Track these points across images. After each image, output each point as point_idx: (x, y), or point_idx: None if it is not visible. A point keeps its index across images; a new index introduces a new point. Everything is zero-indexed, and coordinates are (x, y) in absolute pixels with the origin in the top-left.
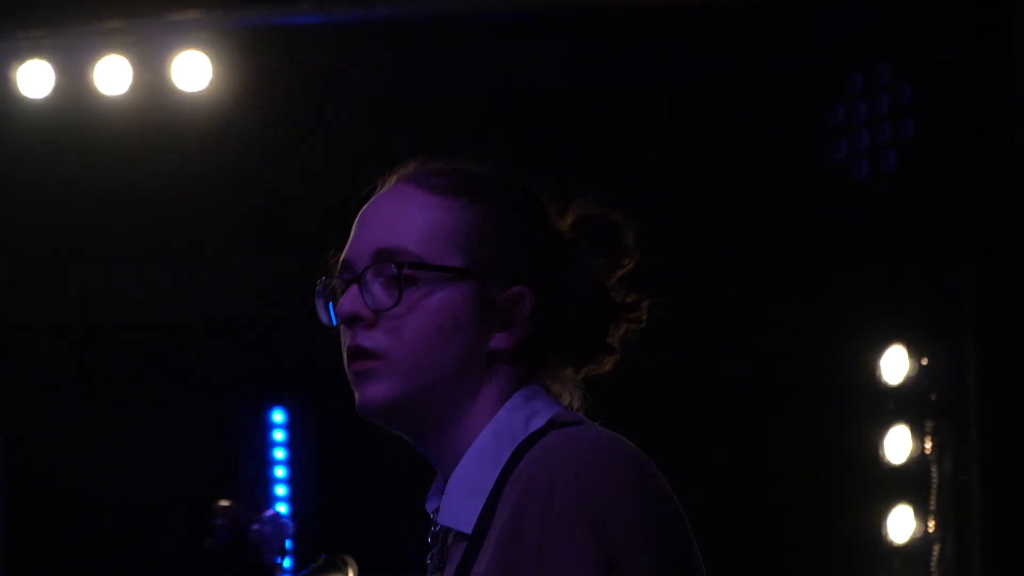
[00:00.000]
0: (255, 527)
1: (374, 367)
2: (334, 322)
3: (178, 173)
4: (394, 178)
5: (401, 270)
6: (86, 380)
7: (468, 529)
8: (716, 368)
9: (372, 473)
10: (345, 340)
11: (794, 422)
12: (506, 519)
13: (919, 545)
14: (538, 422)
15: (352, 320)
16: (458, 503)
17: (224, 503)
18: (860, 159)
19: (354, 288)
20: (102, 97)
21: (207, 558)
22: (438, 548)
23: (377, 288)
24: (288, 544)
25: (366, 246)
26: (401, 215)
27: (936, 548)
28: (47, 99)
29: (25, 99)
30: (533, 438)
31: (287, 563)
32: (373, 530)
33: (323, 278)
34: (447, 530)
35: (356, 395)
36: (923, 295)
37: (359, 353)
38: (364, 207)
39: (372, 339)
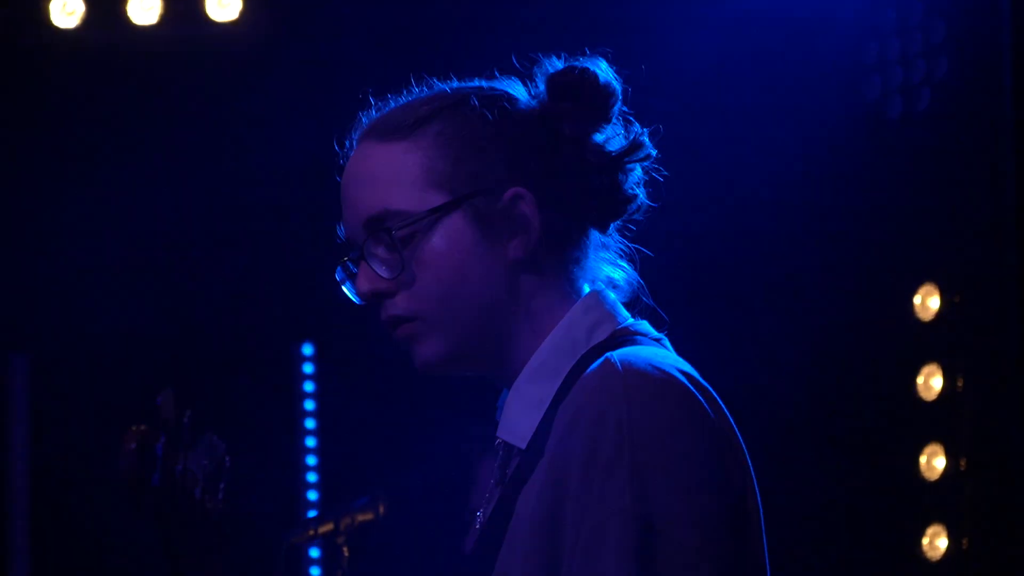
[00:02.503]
0: (179, 454)
1: (413, 330)
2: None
3: (209, 103)
4: (355, 139)
5: (391, 234)
6: (113, 311)
7: (523, 444)
8: (745, 307)
9: (402, 408)
10: (380, 315)
11: (827, 360)
12: (554, 449)
13: (950, 483)
14: (600, 334)
15: (372, 296)
16: (515, 417)
17: (137, 427)
18: (893, 97)
19: (363, 265)
20: (133, 26)
21: (125, 493)
22: (499, 461)
23: (382, 256)
24: (222, 474)
25: (355, 220)
26: (371, 177)
27: (967, 486)
28: (78, 28)
29: (57, 28)
30: (596, 350)
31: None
32: (403, 465)
33: (340, 264)
34: (506, 445)
35: (412, 360)
36: (956, 234)
37: (394, 322)
38: (342, 179)
39: (399, 306)
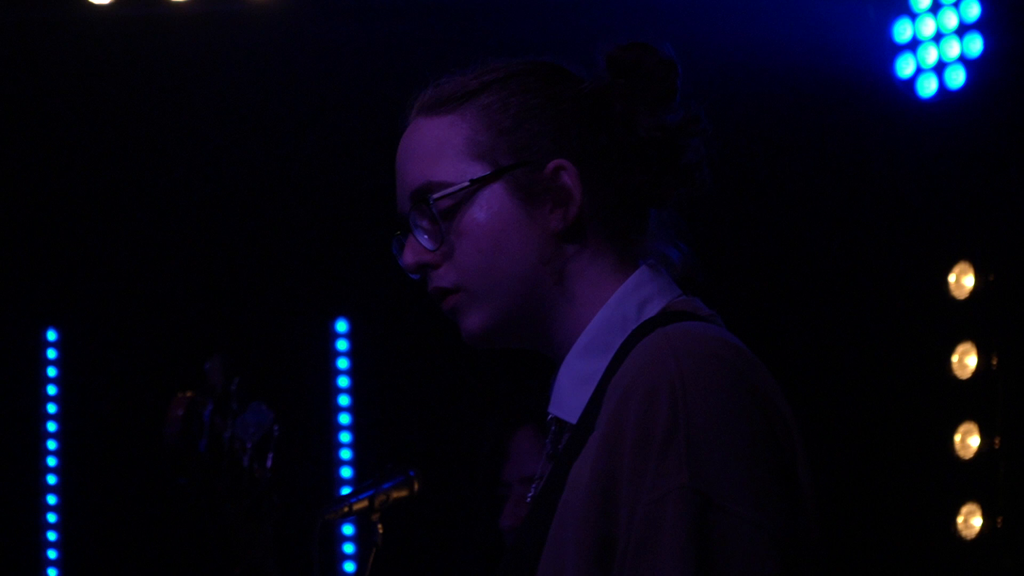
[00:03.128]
0: (226, 422)
1: (457, 302)
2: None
3: (244, 78)
4: (411, 113)
5: (432, 205)
6: (144, 281)
7: (573, 419)
8: (780, 287)
9: (435, 383)
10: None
11: (862, 339)
12: (606, 425)
13: (985, 461)
14: (651, 309)
15: (418, 269)
16: (565, 392)
17: (184, 393)
18: (927, 76)
19: (410, 237)
20: (166, 1)
21: (165, 459)
22: (551, 436)
23: (426, 228)
24: (271, 444)
25: (404, 192)
26: (417, 150)
27: (1002, 464)
28: (110, 4)
29: (88, 4)
30: (646, 326)
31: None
32: (437, 441)
33: (395, 238)
34: (557, 420)
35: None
36: (990, 212)
37: (440, 295)
38: (397, 156)
39: (443, 277)
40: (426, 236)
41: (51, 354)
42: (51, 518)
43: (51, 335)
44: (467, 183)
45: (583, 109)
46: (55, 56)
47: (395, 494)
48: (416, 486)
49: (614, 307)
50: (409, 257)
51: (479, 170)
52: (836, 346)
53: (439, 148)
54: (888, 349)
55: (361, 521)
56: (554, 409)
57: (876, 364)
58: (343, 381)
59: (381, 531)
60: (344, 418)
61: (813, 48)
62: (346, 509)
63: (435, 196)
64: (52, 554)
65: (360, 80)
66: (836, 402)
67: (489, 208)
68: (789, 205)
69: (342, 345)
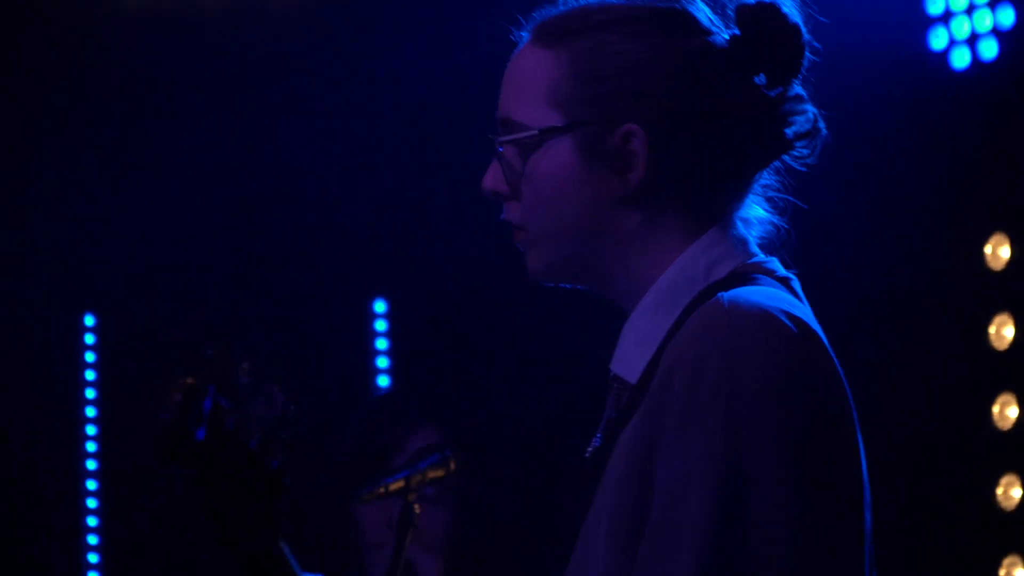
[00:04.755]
0: (232, 406)
1: (522, 239)
2: None
3: (277, 62)
4: (527, 29)
5: (502, 146)
6: (183, 265)
7: (633, 378)
8: (815, 260)
9: (474, 364)
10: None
11: (899, 310)
12: (656, 389)
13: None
14: (721, 270)
15: (492, 195)
16: (628, 351)
17: (183, 379)
18: (960, 48)
19: (493, 161)
20: None
21: (158, 448)
22: (612, 394)
23: (505, 159)
24: (283, 431)
25: (498, 114)
26: (512, 79)
27: None
28: None
29: None
30: (713, 288)
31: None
32: (475, 422)
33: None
34: (618, 379)
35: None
36: None
37: (509, 225)
38: None
39: (512, 211)
40: (502, 166)
41: (89, 339)
42: (91, 503)
43: (89, 320)
44: (536, 131)
45: (685, 68)
46: (96, 40)
47: (431, 474)
48: (452, 466)
49: (681, 267)
50: (487, 180)
51: (553, 119)
52: (873, 320)
53: (526, 86)
54: (925, 321)
55: (398, 502)
56: (615, 367)
57: (913, 336)
58: (382, 361)
59: (418, 511)
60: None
61: (845, 22)
62: (382, 490)
63: (508, 138)
64: (92, 539)
65: (399, 60)
66: (873, 373)
67: (553, 160)
68: (823, 180)
69: (380, 325)
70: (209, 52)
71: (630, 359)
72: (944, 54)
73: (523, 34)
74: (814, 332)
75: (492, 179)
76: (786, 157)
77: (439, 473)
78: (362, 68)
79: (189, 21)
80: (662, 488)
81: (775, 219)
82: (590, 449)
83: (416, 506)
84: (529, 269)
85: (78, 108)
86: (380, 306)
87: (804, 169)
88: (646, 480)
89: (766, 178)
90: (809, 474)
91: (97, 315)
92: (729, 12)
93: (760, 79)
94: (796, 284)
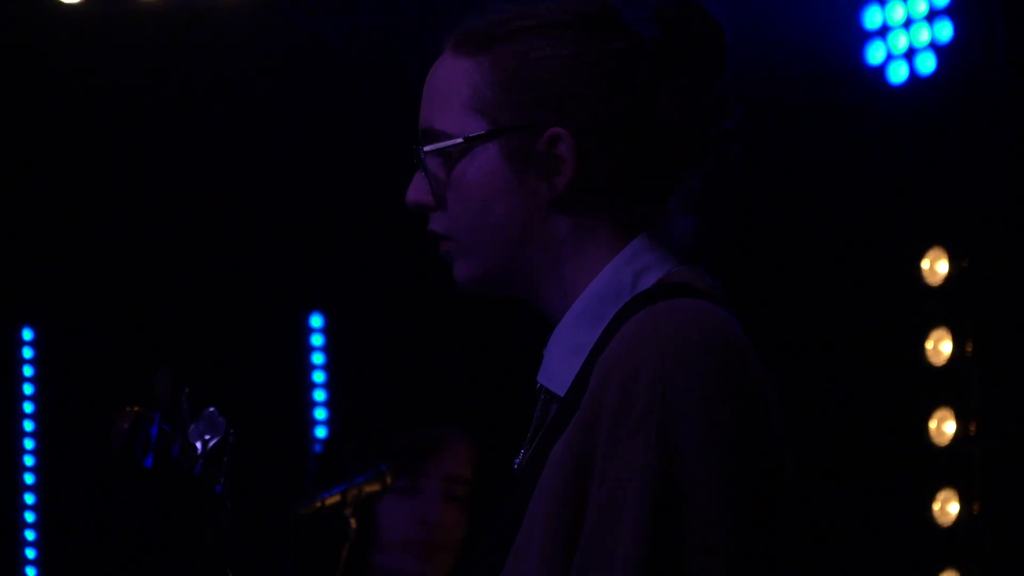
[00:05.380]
0: (176, 432)
1: (448, 249)
2: None
3: (214, 75)
4: (445, 40)
5: (423, 155)
6: (120, 277)
7: (561, 391)
8: (752, 275)
9: (411, 376)
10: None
11: (835, 325)
12: (588, 402)
13: (960, 447)
14: (648, 280)
15: (416, 208)
16: (555, 363)
17: (130, 408)
18: (898, 62)
19: (416, 173)
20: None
21: (110, 476)
22: (539, 406)
23: (427, 170)
24: (223, 455)
25: (420, 125)
26: (433, 89)
27: (978, 450)
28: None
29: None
30: (640, 299)
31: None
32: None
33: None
34: (546, 390)
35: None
36: (963, 198)
37: (434, 237)
38: None
39: (437, 221)
40: (425, 178)
41: (27, 353)
42: (29, 518)
43: (27, 334)
44: (461, 140)
45: (609, 70)
46: (27, 56)
47: (367, 488)
48: (388, 480)
49: (608, 277)
50: (410, 193)
51: (477, 127)
52: (809, 333)
53: (448, 95)
54: (862, 336)
55: (334, 517)
56: (543, 378)
57: (850, 351)
58: (318, 376)
59: (354, 526)
60: (319, 413)
61: (782, 35)
62: (318, 504)
63: (431, 147)
64: (30, 553)
65: (333, 76)
66: (810, 390)
67: (480, 168)
68: (760, 192)
69: (317, 340)
70: (149, 69)
71: (558, 371)
72: (881, 68)
73: (443, 45)
74: (741, 342)
75: (415, 191)
76: (714, 160)
77: (375, 487)
78: (300, 85)
79: (123, 35)
80: (595, 502)
81: (703, 226)
82: (518, 461)
83: (352, 520)
84: (457, 278)
85: (11, 126)
86: (317, 320)
87: (733, 172)
88: (579, 494)
89: (695, 184)
90: (743, 484)
91: (35, 328)
92: (648, 14)
93: (684, 80)
94: (723, 294)
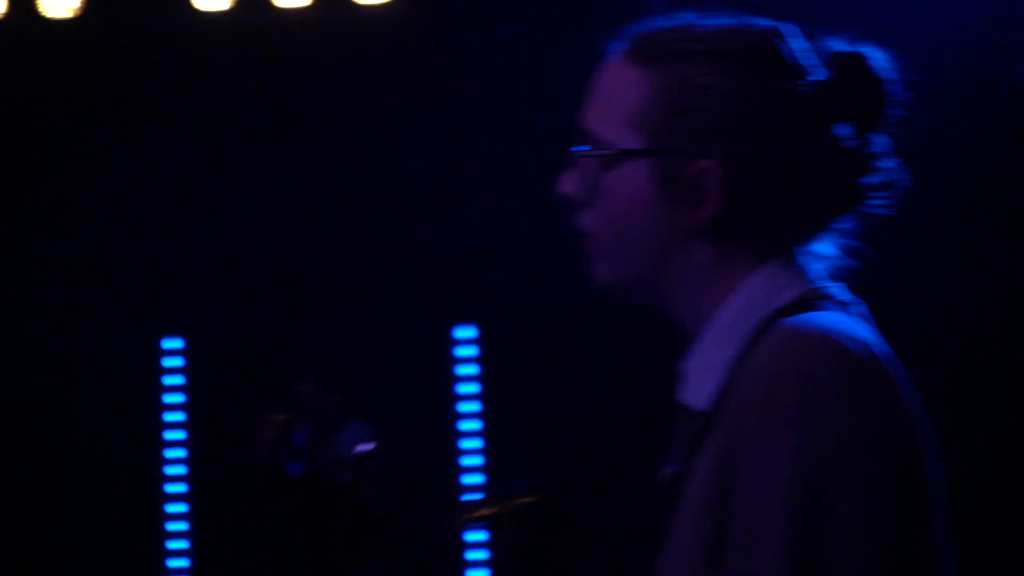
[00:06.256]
0: (324, 441)
1: (590, 247)
2: None
3: (355, 84)
4: (621, 41)
5: (580, 157)
6: (266, 286)
7: (700, 407)
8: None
9: (565, 388)
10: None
11: (993, 334)
12: (729, 418)
13: None
14: (784, 298)
15: (564, 200)
16: (694, 381)
17: (276, 416)
18: None
19: (572, 166)
20: (279, 10)
21: (258, 485)
22: (680, 425)
23: (581, 167)
24: (374, 464)
25: (581, 123)
26: (600, 92)
27: None
28: (225, 12)
29: (201, 12)
30: (777, 315)
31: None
32: (566, 447)
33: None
34: (686, 407)
35: None
36: None
37: (579, 233)
38: None
39: (584, 218)
40: (578, 174)
41: (174, 362)
42: (177, 527)
43: (174, 343)
44: (615, 151)
45: (770, 110)
46: (168, 65)
47: (523, 500)
48: (540, 495)
49: (746, 295)
50: (564, 184)
51: (633, 142)
52: (959, 347)
53: (613, 103)
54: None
55: (489, 528)
56: (682, 396)
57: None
58: (471, 387)
59: (509, 537)
60: (473, 424)
61: (919, 56)
62: (473, 516)
63: (587, 150)
64: (182, 563)
65: (474, 84)
66: (958, 405)
67: (627, 183)
68: (903, 218)
69: (468, 351)
70: (290, 79)
71: (696, 389)
72: None
73: (615, 47)
74: (882, 356)
75: (568, 183)
76: (860, 210)
77: (530, 499)
78: (441, 94)
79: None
80: (741, 513)
81: (844, 257)
82: (664, 475)
83: (507, 531)
84: (595, 278)
85: (157, 133)
86: (465, 332)
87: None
88: (724, 506)
89: (841, 224)
90: (887, 492)
91: (184, 338)
92: (821, 55)
93: (843, 129)
94: (864, 310)
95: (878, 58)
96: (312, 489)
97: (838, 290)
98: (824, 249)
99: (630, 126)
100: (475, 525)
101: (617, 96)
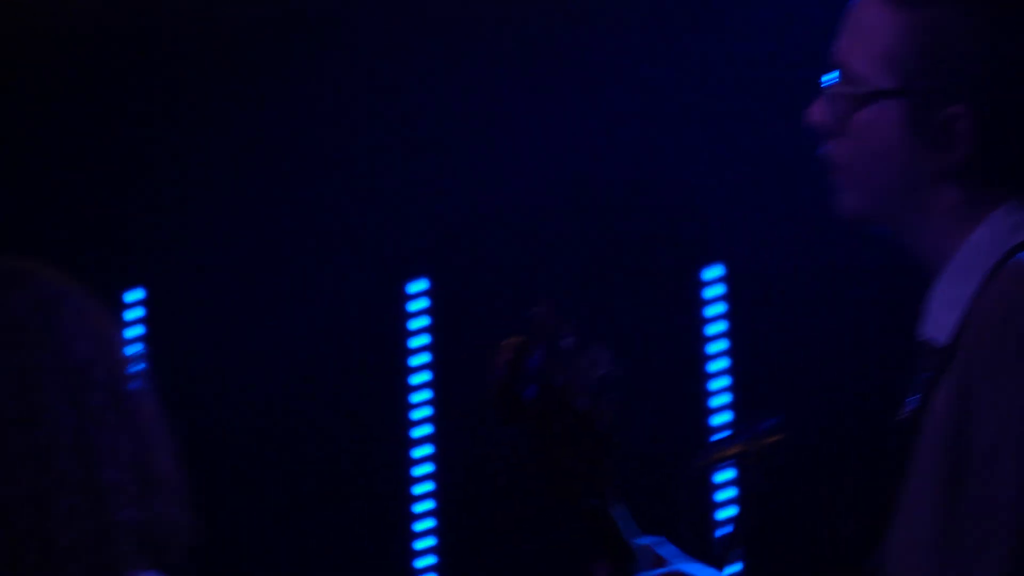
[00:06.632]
0: (559, 366)
1: (837, 177)
2: None
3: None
4: None
5: (831, 90)
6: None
7: (940, 340)
8: None
9: (813, 327)
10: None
11: None
12: (968, 348)
13: None
14: (1022, 234)
15: (817, 127)
16: (934, 316)
17: (511, 340)
18: None
19: (823, 97)
20: None
21: (490, 406)
22: (921, 360)
23: (833, 98)
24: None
25: (834, 56)
26: (857, 29)
27: None
28: None
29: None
30: (1016, 249)
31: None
32: (814, 385)
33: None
34: (927, 343)
35: None
36: None
37: (827, 162)
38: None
39: (834, 148)
40: (829, 104)
41: (419, 304)
42: (423, 451)
43: (420, 285)
44: (870, 89)
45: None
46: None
47: (768, 439)
48: (786, 432)
49: (986, 233)
50: (813, 112)
51: (886, 81)
52: None
53: (869, 40)
54: None
55: (737, 467)
56: (923, 331)
57: None
58: (718, 326)
59: (756, 476)
60: (721, 364)
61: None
62: (719, 455)
63: (840, 85)
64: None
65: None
66: None
67: (877, 122)
68: None
69: (717, 290)
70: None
71: (936, 324)
72: None
73: None
74: None
75: (820, 112)
76: None
77: (776, 438)
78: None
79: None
80: (978, 442)
81: None
82: (906, 411)
83: (754, 471)
84: (840, 208)
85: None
86: (717, 271)
87: None
88: (962, 436)
89: None
90: None
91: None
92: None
93: None
94: None
95: None
96: (547, 413)
97: None
98: None
99: (885, 66)
100: (723, 464)
101: (875, 34)
